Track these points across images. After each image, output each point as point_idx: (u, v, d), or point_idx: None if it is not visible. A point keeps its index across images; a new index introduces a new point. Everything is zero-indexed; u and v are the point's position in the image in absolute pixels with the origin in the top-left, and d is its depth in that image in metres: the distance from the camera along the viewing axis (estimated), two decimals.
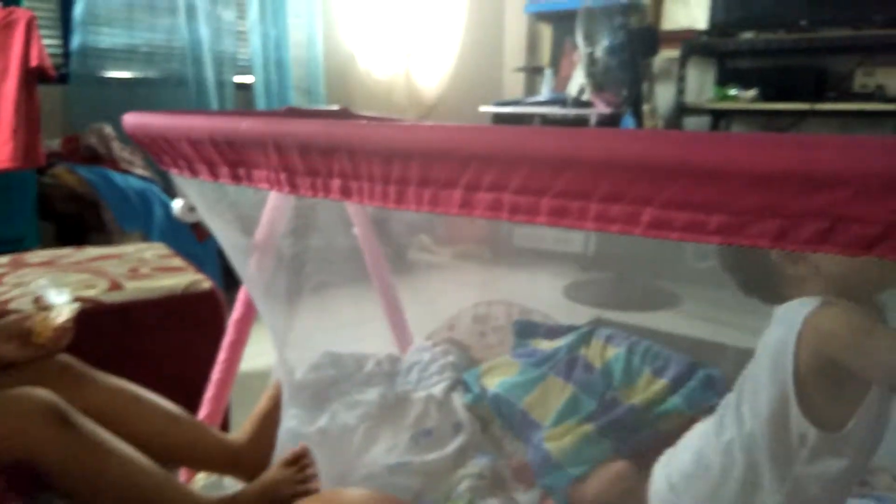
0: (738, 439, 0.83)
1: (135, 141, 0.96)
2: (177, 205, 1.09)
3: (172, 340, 1.49)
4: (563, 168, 0.54)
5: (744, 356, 0.88)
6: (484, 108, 3.64)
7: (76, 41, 2.54)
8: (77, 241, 2.09)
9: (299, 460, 1.08)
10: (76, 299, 1.12)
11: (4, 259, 1.67)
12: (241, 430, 1.19)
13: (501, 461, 1.23)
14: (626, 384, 1.26)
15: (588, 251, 3.08)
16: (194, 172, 0.88)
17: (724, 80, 3.39)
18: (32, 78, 2.07)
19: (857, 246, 0.45)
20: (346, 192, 0.71)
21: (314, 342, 1.45)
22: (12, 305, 1.31)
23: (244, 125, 0.77)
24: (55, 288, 1.17)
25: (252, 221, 1.15)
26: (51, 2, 2.58)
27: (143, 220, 2.34)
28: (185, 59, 2.79)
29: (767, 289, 0.83)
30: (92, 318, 1.35)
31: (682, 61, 3.30)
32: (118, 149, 2.46)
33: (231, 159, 0.82)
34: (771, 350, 0.81)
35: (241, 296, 1.27)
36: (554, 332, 1.53)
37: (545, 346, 1.48)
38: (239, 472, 1.15)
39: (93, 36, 2.59)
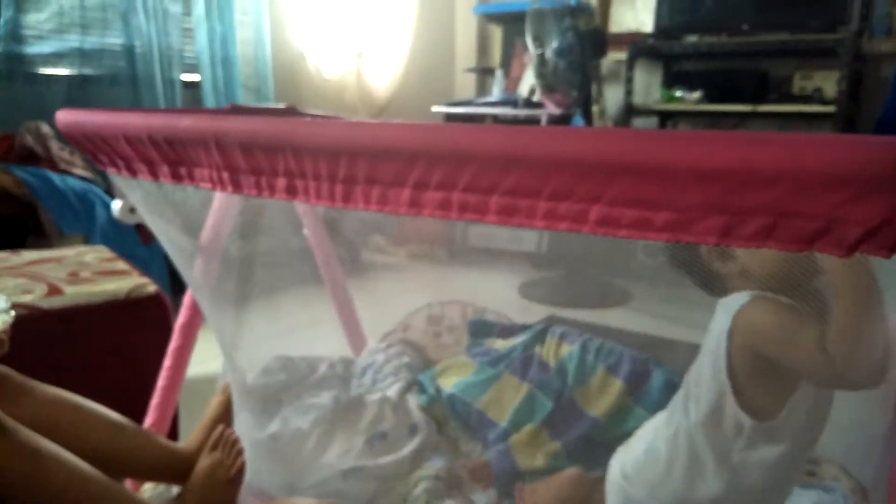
0: (682, 429, 0.86)
1: (69, 140, 0.92)
2: (116, 206, 1.05)
3: (116, 347, 1.44)
4: (511, 166, 0.54)
5: (693, 351, 0.90)
6: (436, 109, 3.64)
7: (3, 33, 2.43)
8: (13, 244, 2.00)
9: (222, 441, 1.07)
10: (12, 306, 1.07)
11: None
12: (190, 437, 1.15)
13: (458, 462, 1.22)
14: (580, 382, 1.27)
15: (542, 250, 3.11)
16: (133, 172, 0.85)
17: (670, 82, 3.47)
18: None
19: (799, 241, 0.46)
20: (291, 191, 0.69)
21: (265, 346, 1.42)
22: None
23: (184, 122, 0.74)
24: None
25: (197, 223, 1.11)
26: None
27: (83, 222, 2.26)
28: (129, 56, 2.70)
29: (711, 285, 0.85)
30: (30, 324, 1.29)
31: (630, 63, 3.36)
32: (57, 148, 2.37)
33: (171, 158, 0.79)
34: (708, 343, 0.84)
35: (186, 300, 1.23)
36: (508, 330, 1.53)
37: (500, 345, 1.48)
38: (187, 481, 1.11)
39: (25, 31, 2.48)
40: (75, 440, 0.93)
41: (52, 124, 2.33)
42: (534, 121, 3.26)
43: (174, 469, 1.09)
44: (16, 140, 2.34)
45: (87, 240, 2.23)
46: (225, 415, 1.13)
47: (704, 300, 0.88)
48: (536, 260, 3.10)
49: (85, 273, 1.56)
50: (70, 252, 1.78)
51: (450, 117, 3.61)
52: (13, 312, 1.01)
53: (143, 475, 1.14)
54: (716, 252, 0.82)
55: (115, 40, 2.68)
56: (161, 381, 1.24)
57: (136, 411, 1.24)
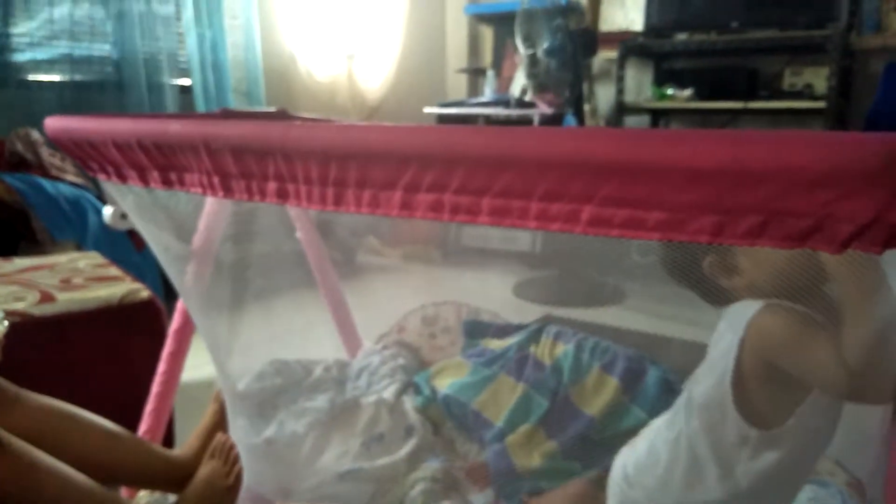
0: (684, 434, 0.84)
1: (59, 146, 0.91)
2: (108, 212, 1.04)
3: (110, 353, 1.43)
4: (503, 167, 0.54)
5: (688, 348, 0.89)
6: (428, 110, 3.63)
7: None
8: (5, 251, 1.98)
9: (220, 449, 1.06)
10: (5, 314, 1.06)
11: None
12: (185, 445, 1.15)
13: (454, 463, 1.22)
14: (575, 380, 1.27)
15: (536, 249, 3.11)
16: (123, 178, 0.85)
17: (661, 80, 3.48)
18: None
19: (791, 239, 0.46)
20: (282, 195, 0.68)
21: (259, 351, 1.41)
22: None
23: (173, 128, 0.74)
24: None
25: (189, 228, 1.11)
26: None
27: (76, 228, 2.25)
28: (119, 62, 2.69)
29: (713, 297, 0.83)
30: (22, 332, 1.28)
31: (621, 62, 3.36)
32: (47, 155, 2.36)
33: (161, 163, 0.78)
34: (717, 352, 0.81)
35: (179, 305, 1.22)
36: (503, 331, 1.53)
37: (495, 345, 1.48)
38: (184, 489, 1.11)
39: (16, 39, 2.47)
40: (69, 450, 0.93)
41: (42, 131, 2.32)
42: (526, 121, 3.26)
43: (169, 476, 1.09)
44: (6, 147, 2.33)
45: (80, 246, 2.22)
46: (220, 422, 1.13)
47: (697, 298, 0.88)
48: (530, 260, 3.10)
49: (77, 280, 1.55)
50: (62, 259, 1.77)
51: (442, 118, 3.61)
52: (6, 322, 1.00)
53: (137, 483, 1.14)
54: (720, 267, 0.79)
55: (105, 46, 2.67)
56: (155, 387, 1.23)
57: (130, 417, 1.24)
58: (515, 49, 3.17)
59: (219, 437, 1.07)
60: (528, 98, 3.30)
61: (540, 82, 3.12)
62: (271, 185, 0.70)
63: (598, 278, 2.87)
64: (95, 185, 2.32)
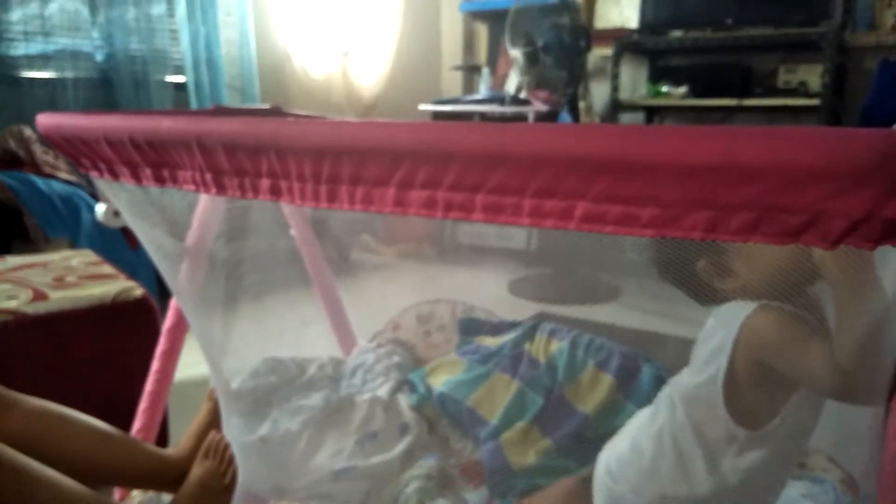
0: (667, 428, 0.85)
1: (51, 143, 0.91)
2: (100, 209, 1.04)
3: (103, 352, 1.42)
4: (496, 164, 0.53)
5: (682, 345, 0.89)
6: (423, 107, 3.63)
7: None
8: None
9: (215, 449, 1.06)
10: None
11: None
12: (179, 444, 1.15)
13: (449, 461, 1.22)
14: (570, 378, 1.27)
15: (531, 247, 3.11)
16: (115, 175, 0.84)
17: (656, 77, 3.48)
18: None
19: (784, 235, 0.46)
20: (275, 192, 0.68)
21: (254, 349, 1.41)
22: None
23: (165, 124, 0.73)
24: None
25: (182, 225, 1.10)
26: None
27: (69, 226, 2.24)
28: (112, 58, 2.68)
29: (706, 299, 0.83)
30: (15, 330, 1.28)
31: (615, 59, 3.36)
32: (40, 152, 2.34)
33: (153, 161, 0.78)
34: (705, 350, 0.81)
35: (173, 303, 1.22)
36: (498, 328, 1.53)
37: (490, 342, 1.48)
38: (179, 489, 1.11)
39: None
40: (61, 451, 0.92)
41: (34, 128, 2.31)
42: (521, 118, 3.26)
43: (163, 476, 1.08)
44: None
45: (73, 244, 2.21)
46: (214, 421, 1.12)
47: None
48: (526, 257, 3.11)
49: (70, 278, 1.54)
50: (55, 257, 1.76)
51: (437, 115, 3.61)
52: None
53: (131, 483, 1.13)
54: (713, 268, 0.79)
55: (98, 43, 2.66)
56: (149, 386, 1.23)
57: (124, 416, 1.23)
58: (509, 46, 3.17)
59: (212, 436, 1.07)
60: (522, 95, 3.30)
61: (534, 80, 3.12)
62: (264, 182, 0.69)
63: (593, 275, 2.87)
64: (88, 183, 2.31)
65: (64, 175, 2.35)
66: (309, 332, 1.62)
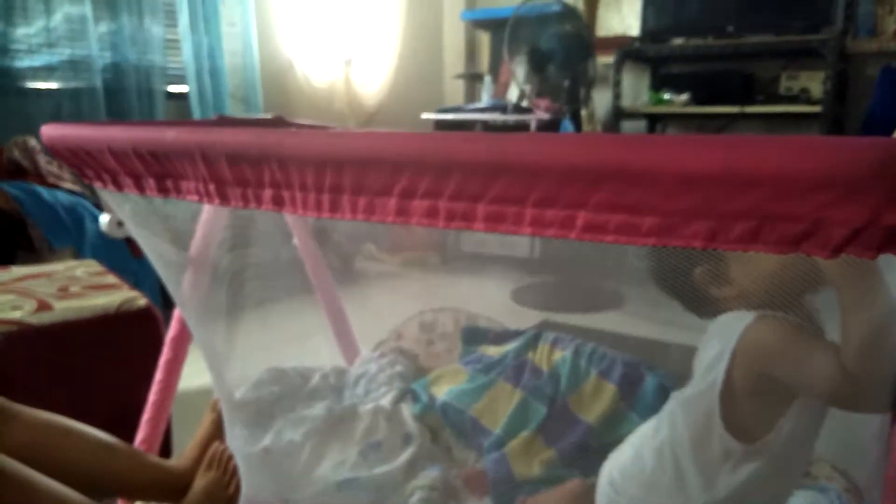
0: (668, 442, 0.84)
1: (55, 154, 0.91)
2: (104, 220, 1.04)
3: (107, 362, 1.43)
4: (497, 173, 0.54)
5: (686, 353, 0.89)
6: (426, 115, 3.64)
7: None
8: (2, 260, 1.98)
9: (218, 460, 1.06)
10: (1, 322, 1.06)
11: None
12: (183, 455, 1.15)
13: (452, 471, 1.22)
14: (573, 387, 1.27)
15: (534, 255, 3.11)
16: (119, 186, 0.85)
17: (658, 84, 3.49)
18: None
19: (785, 243, 0.46)
20: (278, 202, 0.68)
21: (257, 359, 1.41)
22: None
23: (170, 135, 0.74)
24: None
25: (185, 235, 1.11)
26: None
27: (73, 236, 2.25)
28: (115, 69, 2.70)
29: (701, 308, 0.82)
30: (19, 341, 1.29)
31: (618, 67, 3.37)
32: (44, 162, 2.36)
33: (157, 171, 0.78)
34: (703, 362, 0.80)
35: (176, 313, 1.22)
36: (501, 337, 1.53)
37: (493, 351, 1.48)
38: (182, 501, 1.10)
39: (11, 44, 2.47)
40: (65, 464, 0.92)
41: (39, 138, 2.32)
42: (523, 126, 3.27)
43: (167, 488, 1.08)
44: (3, 155, 2.33)
45: (77, 254, 2.21)
46: (217, 432, 1.12)
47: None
48: (529, 265, 3.10)
49: (75, 288, 1.55)
50: (59, 267, 1.77)
51: (439, 124, 3.62)
52: None
53: (135, 495, 1.13)
54: (710, 276, 0.78)
55: (102, 53, 2.67)
56: (152, 396, 1.23)
57: (128, 426, 1.23)
58: (511, 55, 3.18)
59: (216, 446, 1.07)
60: (525, 103, 3.30)
61: (536, 88, 3.12)
62: (267, 193, 0.70)
63: (597, 284, 2.87)
64: (92, 193, 2.32)
65: (68, 185, 2.36)
66: (312, 342, 1.62)
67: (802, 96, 3.11)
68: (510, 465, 1.14)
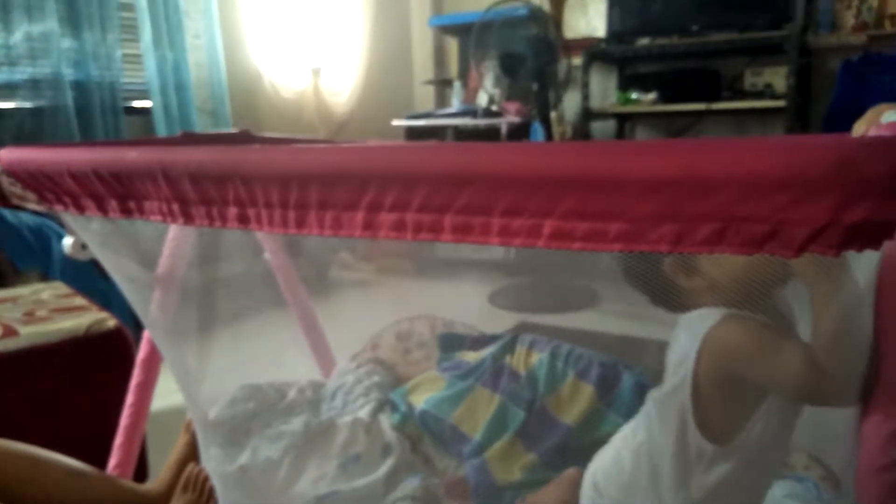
0: (646, 443, 0.84)
1: (15, 178, 0.89)
2: (67, 242, 1.02)
3: (77, 386, 1.40)
4: (463, 184, 0.53)
5: (662, 348, 0.89)
6: (397, 122, 3.63)
7: None
8: None
9: (194, 481, 1.04)
10: None
11: None
12: (157, 478, 1.12)
13: (433, 480, 1.21)
14: (551, 389, 1.27)
15: (510, 257, 3.11)
16: (81, 209, 0.83)
17: (625, 84, 3.52)
18: None
19: (749, 244, 0.46)
20: (243, 220, 0.67)
21: (231, 376, 1.39)
22: None
23: (130, 156, 0.72)
24: None
25: (152, 255, 1.09)
26: None
27: (39, 258, 2.20)
28: (78, 86, 2.65)
29: (671, 302, 0.81)
30: None
31: (585, 68, 3.40)
32: (7, 183, 2.30)
33: (119, 192, 0.77)
34: (672, 363, 0.80)
35: (146, 334, 1.20)
36: (478, 342, 1.53)
37: (470, 357, 1.48)
38: None
39: None
40: (35, 494, 0.90)
41: None
42: (494, 130, 3.28)
43: None
44: None
45: (45, 276, 2.17)
46: (192, 453, 1.10)
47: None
48: (505, 268, 3.10)
49: (41, 312, 1.51)
50: (25, 291, 1.73)
51: (410, 130, 3.61)
52: None
53: None
54: (680, 266, 0.77)
55: (65, 70, 2.62)
56: (124, 420, 1.20)
57: (101, 451, 1.20)
58: (480, 59, 3.19)
59: (191, 468, 1.05)
60: (495, 108, 3.31)
61: (505, 92, 3.14)
62: (232, 211, 0.69)
63: (572, 283, 2.88)
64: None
65: (33, 206, 2.31)
66: (287, 356, 1.61)
67: (767, 92, 3.16)
68: (491, 472, 1.14)
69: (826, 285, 0.63)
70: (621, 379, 1.23)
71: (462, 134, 3.55)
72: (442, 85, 4.17)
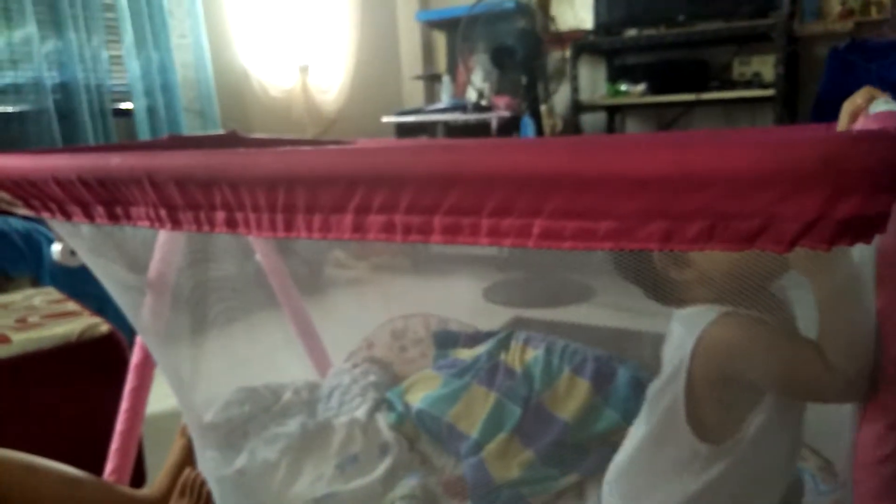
0: (645, 442, 0.84)
1: (0, 187, 0.88)
2: (56, 248, 1.01)
3: (71, 392, 1.39)
4: (451, 185, 0.53)
5: (657, 341, 0.88)
6: (386, 119, 3.62)
7: None
8: None
9: (191, 486, 1.04)
10: None
11: None
12: (154, 484, 1.12)
13: (431, 478, 1.21)
14: (547, 385, 1.27)
15: (504, 253, 3.11)
16: (67, 215, 0.82)
17: (614, 76, 3.52)
18: None
19: (739, 241, 0.46)
20: (231, 225, 0.67)
21: (226, 379, 1.38)
22: None
23: (114, 161, 0.72)
24: None
25: (142, 259, 1.08)
26: None
27: (31, 263, 2.18)
28: (63, 89, 2.62)
29: (664, 295, 0.80)
30: None
31: (573, 61, 3.39)
32: None
33: (105, 198, 0.76)
34: (667, 360, 0.80)
35: (139, 339, 1.19)
36: (473, 339, 1.53)
37: (466, 355, 1.47)
38: None
39: None
40: (30, 502, 0.89)
41: None
42: (484, 124, 3.27)
43: None
44: None
45: (36, 281, 2.15)
46: (188, 457, 1.10)
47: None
48: (499, 263, 3.11)
49: (33, 318, 1.50)
50: (17, 297, 1.72)
51: (400, 127, 3.60)
52: None
53: None
54: (671, 259, 0.76)
55: (49, 74, 2.60)
56: (119, 425, 1.20)
57: (96, 458, 1.20)
58: (469, 54, 3.18)
59: (188, 472, 1.05)
60: (484, 102, 3.31)
61: (494, 86, 3.13)
62: (220, 215, 0.68)
63: (567, 277, 2.88)
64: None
65: (22, 211, 2.29)
66: (282, 357, 1.60)
67: (755, 81, 3.17)
68: (488, 469, 1.14)
69: (829, 279, 0.61)
70: (616, 374, 1.23)
71: (452, 129, 3.54)
72: (431, 80, 4.16)
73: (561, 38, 3.33)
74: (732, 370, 0.73)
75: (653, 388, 0.85)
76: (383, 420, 1.32)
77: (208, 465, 1.09)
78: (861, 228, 0.43)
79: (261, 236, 0.65)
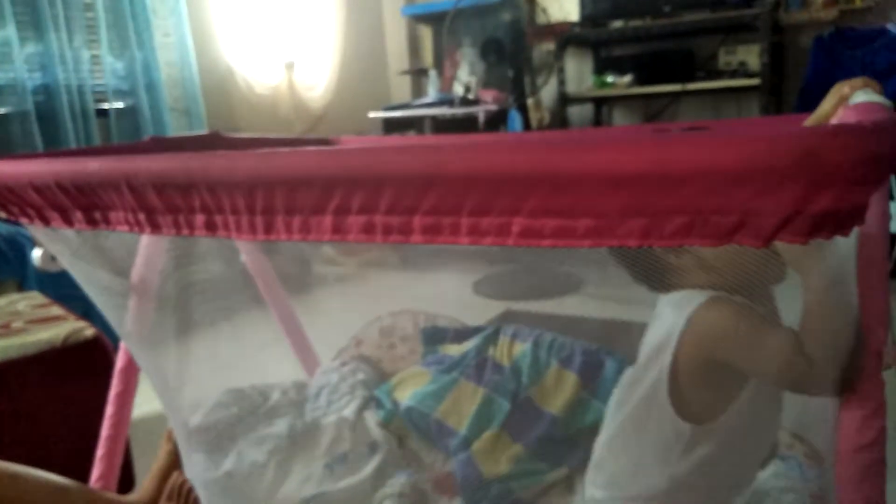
0: (625, 426, 0.84)
1: None
2: (36, 254, 1.00)
3: (56, 398, 1.38)
4: (430, 185, 0.53)
5: (645, 331, 0.88)
6: (373, 114, 3.60)
7: None
8: None
9: (178, 491, 1.03)
10: None
11: None
12: (140, 490, 1.11)
13: (421, 475, 1.21)
14: (535, 380, 1.27)
15: (492, 246, 3.10)
16: (46, 221, 0.81)
17: (600, 68, 3.52)
18: None
19: (718, 236, 0.46)
20: (211, 228, 0.66)
21: (212, 381, 1.37)
22: None
23: (92, 166, 0.71)
24: None
25: (125, 263, 1.07)
26: None
27: (15, 267, 2.16)
28: (45, 90, 2.59)
29: (655, 279, 0.81)
30: None
31: (560, 53, 3.39)
32: None
33: (83, 204, 0.75)
34: (653, 343, 0.80)
35: (123, 343, 1.18)
36: (462, 335, 1.52)
37: (454, 350, 1.47)
38: None
39: None
40: None
41: None
42: (471, 118, 3.26)
43: None
44: None
45: (22, 285, 2.13)
46: (174, 462, 1.09)
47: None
48: (488, 255, 3.10)
49: (17, 323, 1.49)
50: (1, 303, 1.70)
51: (387, 122, 3.59)
52: None
53: None
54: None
55: (30, 75, 2.57)
56: (105, 431, 1.18)
57: (83, 463, 1.19)
58: (455, 48, 3.17)
59: (175, 477, 1.04)
60: (471, 96, 3.30)
61: (481, 79, 3.12)
62: (199, 218, 0.67)
63: (556, 268, 2.89)
64: None
65: (4, 215, 2.27)
66: (270, 357, 1.59)
67: (741, 70, 3.17)
68: (478, 465, 1.14)
69: (818, 273, 0.61)
70: (604, 366, 1.24)
71: (440, 124, 3.53)
72: (417, 75, 4.15)
73: (547, 31, 3.33)
74: (717, 352, 0.74)
75: (629, 373, 0.85)
76: (372, 418, 1.31)
77: (195, 469, 1.08)
78: (838, 222, 0.43)
79: (241, 239, 0.65)
